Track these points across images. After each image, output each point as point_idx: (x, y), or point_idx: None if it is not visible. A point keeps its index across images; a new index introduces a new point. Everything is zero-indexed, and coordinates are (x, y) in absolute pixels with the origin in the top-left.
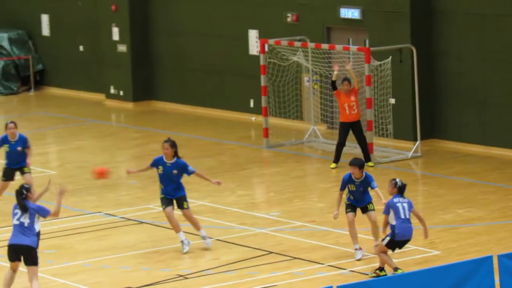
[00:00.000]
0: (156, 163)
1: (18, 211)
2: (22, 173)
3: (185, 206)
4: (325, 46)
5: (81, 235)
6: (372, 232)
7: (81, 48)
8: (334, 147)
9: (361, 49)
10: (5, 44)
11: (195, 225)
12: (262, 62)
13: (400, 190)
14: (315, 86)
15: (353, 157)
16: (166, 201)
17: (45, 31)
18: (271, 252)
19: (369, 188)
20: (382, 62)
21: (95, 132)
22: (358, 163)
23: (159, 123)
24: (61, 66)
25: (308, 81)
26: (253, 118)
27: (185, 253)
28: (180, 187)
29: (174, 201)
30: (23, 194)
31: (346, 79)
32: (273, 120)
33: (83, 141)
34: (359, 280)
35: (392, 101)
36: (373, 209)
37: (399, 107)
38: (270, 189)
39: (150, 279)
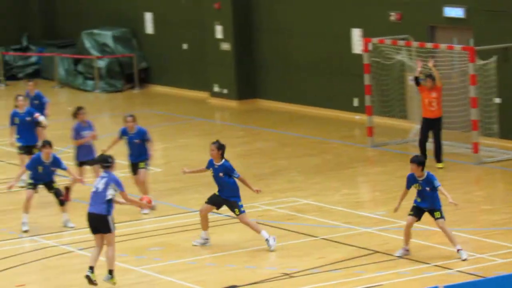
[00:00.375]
0: (209, 165)
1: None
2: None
3: (236, 213)
4: (429, 45)
5: (186, 233)
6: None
7: (184, 46)
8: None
9: (465, 48)
10: (110, 42)
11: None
12: (365, 61)
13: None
14: None
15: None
16: (211, 201)
17: (149, 29)
18: (376, 252)
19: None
20: (487, 61)
21: (199, 130)
22: (415, 160)
23: (263, 121)
24: (165, 64)
25: (412, 80)
26: (357, 117)
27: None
28: (229, 189)
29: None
30: (107, 163)
31: (430, 76)
32: (377, 119)
33: (187, 139)
34: (465, 280)
35: (498, 100)
36: (440, 217)
37: (505, 106)
38: (375, 188)
39: (255, 277)
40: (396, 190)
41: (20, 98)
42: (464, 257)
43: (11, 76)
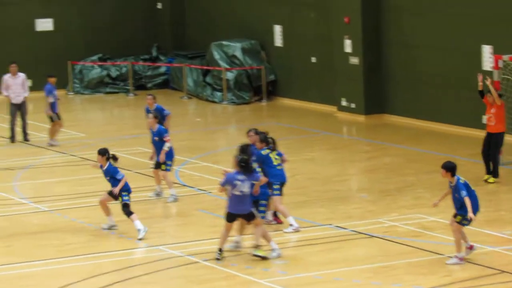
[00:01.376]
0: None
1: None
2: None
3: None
4: None
5: (312, 246)
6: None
7: (313, 59)
8: None
9: None
10: (238, 54)
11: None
12: (495, 78)
13: None
14: None
15: None
16: None
17: (278, 41)
18: (503, 271)
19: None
20: None
21: (326, 144)
22: (444, 166)
23: (391, 136)
24: (293, 77)
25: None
26: None
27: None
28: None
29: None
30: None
31: (489, 91)
32: (507, 137)
33: (314, 153)
34: None
35: None
36: (459, 221)
37: None
38: (502, 207)
39: None
40: None
41: (150, 116)
42: (448, 262)
43: (140, 86)
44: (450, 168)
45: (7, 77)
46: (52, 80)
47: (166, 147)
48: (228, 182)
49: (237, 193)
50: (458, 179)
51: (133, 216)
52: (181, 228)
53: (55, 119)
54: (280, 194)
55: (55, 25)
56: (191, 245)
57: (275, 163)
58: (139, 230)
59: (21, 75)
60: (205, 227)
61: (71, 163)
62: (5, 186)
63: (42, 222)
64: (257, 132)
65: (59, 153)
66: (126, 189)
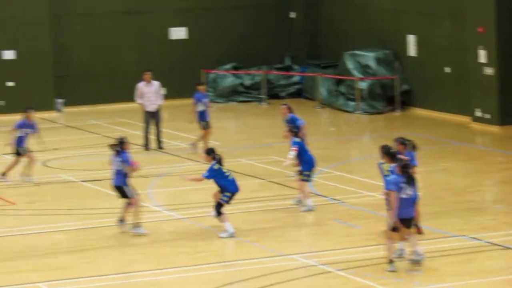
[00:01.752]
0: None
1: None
2: None
3: None
4: None
5: (447, 258)
6: None
7: (447, 69)
8: None
9: None
10: (372, 63)
11: None
12: None
13: None
14: None
15: None
16: None
17: (412, 51)
18: None
19: None
20: None
21: (461, 154)
22: None
23: None
24: (427, 87)
25: None
26: None
27: None
28: None
29: None
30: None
31: None
32: None
33: (447, 163)
34: None
35: None
36: None
37: None
38: None
39: None
40: None
41: (286, 129)
42: None
43: (273, 94)
44: None
45: (141, 85)
46: (202, 88)
47: (290, 155)
48: (395, 184)
49: (404, 196)
50: None
51: (223, 217)
52: (315, 237)
53: (204, 127)
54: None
55: (189, 33)
56: (324, 254)
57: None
58: (227, 231)
59: (156, 83)
60: (339, 236)
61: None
62: (139, 194)
63: (175, 229)
64: (402, 142)
65: (193, 161)
66: (228, 190)
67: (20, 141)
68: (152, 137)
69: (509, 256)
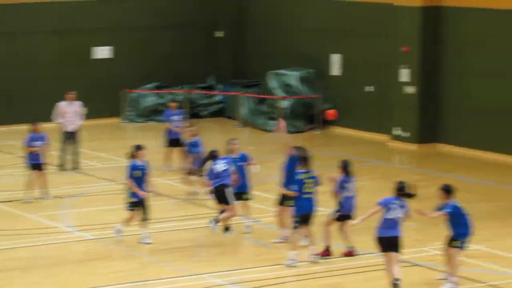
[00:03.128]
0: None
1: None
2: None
3: None
4: None
5: (356, 275)
6: None
7: (368, 88)
8: None
9: None
10: (295, 82)
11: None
12: None
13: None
14: None
15: None
16: None
17: (335, 70)
18: None
19: None
20: None
21: (377, 173)
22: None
23: (443, 165)
24: (349, 106)
25: None
26: None
27: None
28: None
29: None
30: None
31: None
32: None
33: (364, 181)
34: None
35: None
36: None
37: None
38: None
39: None
40: None
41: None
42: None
43: (195, 113)
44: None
45: (63, 104)
46: (173, 105)
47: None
48: (385, 204)
49: (390, 217)
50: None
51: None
52: (227, 256)
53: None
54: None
55: (114, 53)
56: (234, 273)
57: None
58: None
59: (77, 103)
60: (251, 255)
61: (121, 191)
62: (52, 214)
63: (87, 250)
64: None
65: (109, 181)
66: None
67: (34, 155)
68: (69, 157)
69: (420, 273)
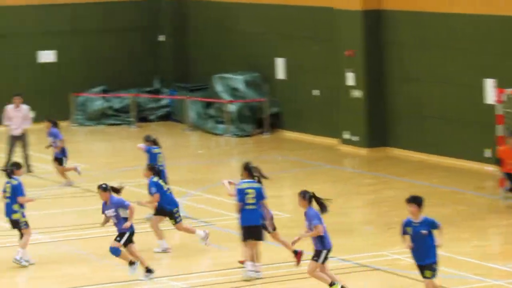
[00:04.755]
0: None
1: None
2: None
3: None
4: None
5: (312, 279)
6: None
7: (315, 92)
8: None
9: None
10: (241, 86)
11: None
12: (498, 112)
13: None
14: None
15: None
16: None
17: (280, 74)
18: None
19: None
20: None
21: (329, 176)
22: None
23: (393, 169)
24: (296, 109)
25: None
26: (490, 168)
27: None
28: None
29: None
30: None
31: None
32: None
33: (317, 185)
34: None
35: None
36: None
37: None
38: (507, 241)
39: None
40: None
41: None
42: None
43: (142, 118)
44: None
45: (9, 108)
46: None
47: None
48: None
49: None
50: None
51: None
52: (183, 259)
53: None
54: None
55: (58, 56)
56: (192, 276)
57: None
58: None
59: (24, 107)
60: (207, 258)
61: (75, 194)
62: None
63: (41, 253)
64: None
65: (57, 184)
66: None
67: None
68: (20, 161)
69: (377, 277)
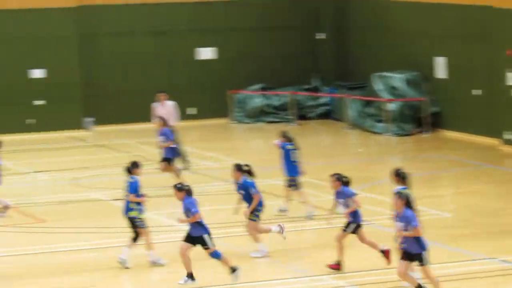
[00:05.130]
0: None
1: None
2: None
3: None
4: None
5: (476, 280)
6: None
7: (476, 91)
8: None
9: None
10: (400, 85)
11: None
12: None
13: None
14: None
15: None
16: None
17: (440, 73)
18: None
19: None
20: None
21: (491, 177)
22: None
23: None
24: (457, 109)
25: None
26: None
27: None
28: None
29: None
30: None
31: None
32: None
33: (478, 185)
34: None
35: None
36: None
37: None
38: None
39: None
40: None
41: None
42: None
43: (301, 116)
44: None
45: (155, 105)
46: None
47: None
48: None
49: None
50: None
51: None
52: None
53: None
54: None
55: (218, 54)
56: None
57: None
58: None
59: (169, 104)
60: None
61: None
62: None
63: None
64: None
65: (221, 180)
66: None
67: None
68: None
69: None
